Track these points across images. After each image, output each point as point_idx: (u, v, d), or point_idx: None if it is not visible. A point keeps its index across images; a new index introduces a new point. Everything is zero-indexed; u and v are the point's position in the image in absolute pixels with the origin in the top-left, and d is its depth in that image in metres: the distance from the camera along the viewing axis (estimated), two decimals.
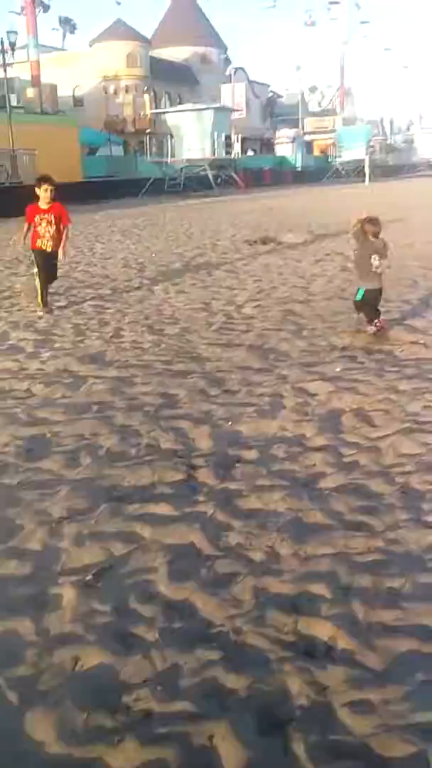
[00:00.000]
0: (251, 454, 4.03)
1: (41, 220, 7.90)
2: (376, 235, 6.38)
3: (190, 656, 2.38)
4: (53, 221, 7.93)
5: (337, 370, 5.47)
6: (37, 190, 7.96)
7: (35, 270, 8.33)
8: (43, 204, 7.92)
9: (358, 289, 6.51)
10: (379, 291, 6.51)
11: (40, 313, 7.90)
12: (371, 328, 6.47)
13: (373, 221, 6.40)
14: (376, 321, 6.49)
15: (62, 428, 4.49)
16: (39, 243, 7.97)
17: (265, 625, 2.54)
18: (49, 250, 7.96)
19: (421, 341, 6.18)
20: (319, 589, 2.73)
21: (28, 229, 8.00)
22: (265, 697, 2.21)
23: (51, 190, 7.90)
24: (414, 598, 2.66)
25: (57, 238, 7.98)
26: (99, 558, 3.02)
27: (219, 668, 2.32)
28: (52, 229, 7.92)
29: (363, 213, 6.52)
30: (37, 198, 7.95)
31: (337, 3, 71.44)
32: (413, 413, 4.51)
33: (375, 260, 6.35)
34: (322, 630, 2.50)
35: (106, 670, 2.34)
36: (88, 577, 2.86)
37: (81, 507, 3.46)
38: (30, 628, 2.56)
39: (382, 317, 6.59)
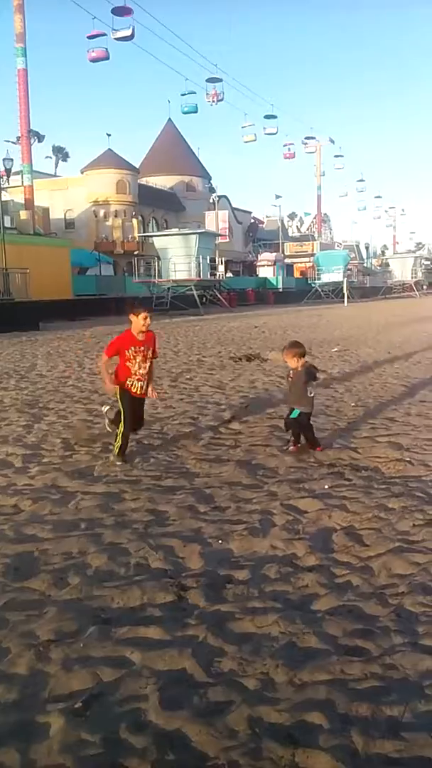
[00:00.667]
0: (242, 574, 3.98)
1: (136, 354, 6.46)
2: (302, 356, 6.66)
3: None
4: (149, 356, 6.60)
5: (326, 487, 5.50)
6: (133, 318, 6.59)
7: (112, 410, 6.98)
8: (139, 336, 6.57)
9: (293, 410, 6.67)
10: (310, 415, 6.77)
11: (118, 464, 6.30)
12: (292, 448, 6.68)
13: (295, 344, 6.74)
14: (315, 445, 6.69)
15: (50, 546, 4.43)
16: (129, 382, 6.47)
17: (262, 757, 2.44)
18: (139, 392, 6.54)
19: (407, 458, 6.25)
20: (316, 718, 2.64)
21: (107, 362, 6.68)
22: None
23: (149, 318, 6.63)
24: (414, 727, 2.58)
25: (148, 377, 6.60)
26: (87, 684, 2.91)
27: None
28: (146, 365, 6.54)
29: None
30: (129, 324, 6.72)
31: (312, 138, 77.05)
32: (403, 532, 4.52)
33: (311, 386, 6.66)
34: (320, 763, 2.40)
35: None
36: (76, 705, 2.75)
37: (69, 629, 3.37)
38: (16, 759, 2.43)
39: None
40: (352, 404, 9.11)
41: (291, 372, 6.85)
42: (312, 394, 6.67)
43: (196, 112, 57.14)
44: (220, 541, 4.46)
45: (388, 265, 78.38)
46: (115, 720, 2.66)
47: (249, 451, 6.73)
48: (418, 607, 3.52)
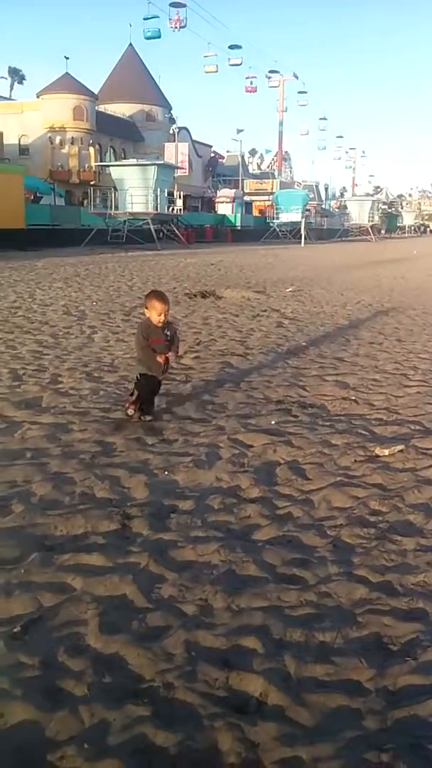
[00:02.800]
0: (187, 504, 4.01)
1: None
2: (161, 314, 5.37)
3: (119, 712, 2.31)
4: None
5: (273, 423, 5.55)
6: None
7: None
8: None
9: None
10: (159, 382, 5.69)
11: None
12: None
13: (156, 295, 5.47)
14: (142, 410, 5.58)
15: None
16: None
17: (197, 680, 2.49)
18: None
19: (353, 397, 6.35)
20: (251, 642, 2.71)
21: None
22: (194, 754, 2.16)
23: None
24: (345, 653, 2.67)
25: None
26: (27, 609, 2.92)
27: (149, 725, 2.26)
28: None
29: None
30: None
31: (276, 72, 74.90)
32: (345, 467, 4.61)
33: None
34: (253, 685, 2.47)
35: (32, 726, 2.25)
36: (15, 629, 2.76)
37: (10, 556, 3.36)
38: None
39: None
40: (303, 343, 9.15)
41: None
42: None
43: (159, 37, 54.91)
44: (166, 473, 4.48)
45: (346, 207, 78.07)
46: (54, 644, 2.68)
47: (199, 386, 6.72)
48: (354, 538, 3.62)
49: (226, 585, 3.12)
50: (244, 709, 2.38)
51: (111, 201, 40.06)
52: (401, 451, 4.90)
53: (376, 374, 7.42)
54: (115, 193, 40.08)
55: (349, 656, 2.65)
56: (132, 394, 5.70)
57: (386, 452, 4.86)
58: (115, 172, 41.66)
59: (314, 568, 3.31)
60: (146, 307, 5.51)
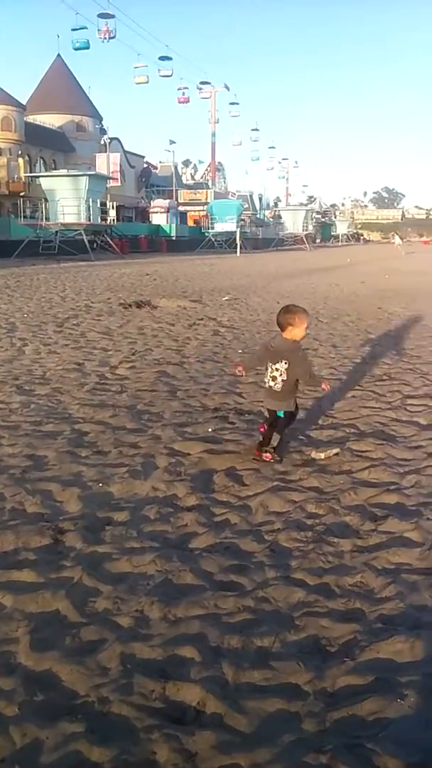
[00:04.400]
0: (122, 516, 3.93)
1: None
2: (281, 328, 4.73)
3: (52, 730, 2.23)
4: None
5: (210, 430, 5.52)
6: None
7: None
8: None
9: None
10: (269, 413, 4.88)
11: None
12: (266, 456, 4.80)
13: (285, 309, 4.78)
14: (266, 449, 4.80)
15: None
16: None
17: (133, 692, 2.43)
18: None
19: None
20: (188, 652, 2.66)
21: None
22: None
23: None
24: (282, 657, 2.65)
25: None
26: None
27: (83, 741, 2.18)
28: None
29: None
30: None
31: (207, 83, 75.59)
32: (282, 472, 4.61)
33: (271, 371, 4.72)
34: (190, 694, 2.42)
35: None
36: None
37: None
38: None
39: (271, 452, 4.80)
40: (240, 351, 9.18)
41: (273, 344, 4.83)
42: (271, 385, 4.76)
43: (87, 48, 54.71)
44: (100, 485, 4.39)
45: (280, 217, 79.20)
46: None
47: (135, 396, 6.64)
48: (291, 542, 3.61)
49: (163, 595, 3.06)
50: (182, 719, 2.33)
51: (42, 212, 39.47)
52: (337, 454, 4.95)
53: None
54: (45, 204, 39.50)
55: (287, 660, 2.63)
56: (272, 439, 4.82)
57: (322, 456, 4.89)
58: (46, 183, 41.10)
59: (252, 574, 3.28)
60: (290, 324, 4.64)
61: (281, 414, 4.77)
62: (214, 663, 2.60)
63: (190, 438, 5.32)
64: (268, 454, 4.77)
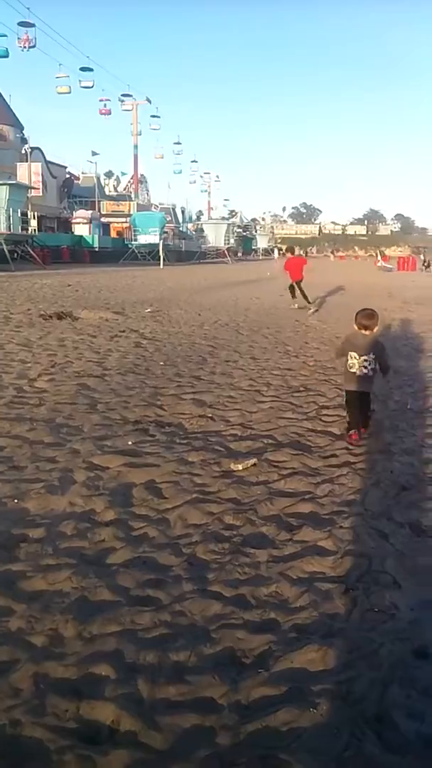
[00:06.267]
0: (37, 533, 3.85)
1: None
2: (365, 328, 5.77)
3: None
4: None
5: (130, 443, 5.49)
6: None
7: None
8: None
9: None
10: (360, 394, 5.80)
11: None
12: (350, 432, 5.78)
13: (364, 312, 5.81)
14: (353, 430, 5.76)
15: None
16: None
17: (45, 713, 2.38)
18: None
19: (209, 414, 6.42)
20: (103, 669, 2.63)
21: None
22: None
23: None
24: (198, 671, 2.65)
25: None
26: None
27: None
28: None
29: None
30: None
31: (129, 96, 75.62)
32: (201, 484, 4.63)
33: (351, 358, 5.76)
34: (104, 713, 2.40)
35: None
36: None
37: None
38: None
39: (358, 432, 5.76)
40: (161, 363, 9.18)
41: (358, 341, 5.82)
42: (354, 370, 5.80)
43: (6, 56, 53.77)
44: (15, 501, 4.29)
45: (203, 230, 79.68)
46: None
47: (54, 410, 6.53)
48: (209, 554, 3.63)
49: (78, 612, 3.02)
50: (96, 738, 2.29)
51: None
52: (254, 465, 5.01)
53: (231, 391, 7.56)
54: None
55: (203, 674, 2.64)
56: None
57: (240, 467, 4.94)
58: None
59: (169, 588, 3.28)
60: (376, 325, 5.88)
61: (369, 394, 5.98)
62: (129, 680, 2.58)
63: (109, 451, 5.27)
64: (363, 429, 5.84)
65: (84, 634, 2.87)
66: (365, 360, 5.74)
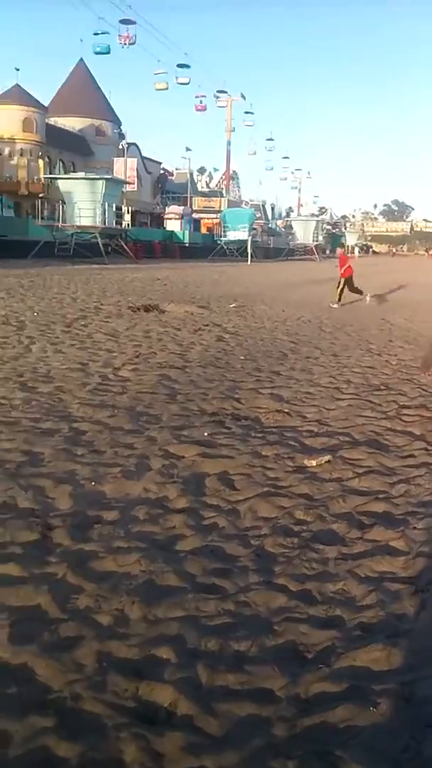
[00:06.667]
0: (111, 515, 3.95)
1: None
2: None
3: (21, 724, 2.24)
4: None
5: (205, 434, 5.53)
6: None
7: None
8: None
9: None
10: None
11: None
12: None
13: None
14: None
15: None
16: None
17: (106, 690, 2.44)
18: None
19: (286, 410, 6.39)
20: (164, 653, 2.66)
21: None
22: (97, 766, 2.10)
23: None
24: (258, 661, 2.65)
25: None
26: None
27: (51, 736, 2.19)
28: None
29: None
30: None
31: (224, 92, 75.92)
32: (273, 478, 4.62)
33: None
34: (163, 695, 2.43)
35: None
36: None
37: None
38: None
39: None
40: (242, 357, 9.20)
41: None
42: None
43: (108, 53, 55.18)
44: (93, 483, 4.41)
45: (291, 227, 79.24)
46: None
47: (135, 398, 6.66)
48: (277, 548, 3.61)
49: (144, 595, 3.07)
50: (153, 719, 2.33)
51: (59, 213, 39.67)
52: (329, 461, 4.95)
53: (310, 388, 7.49)
54: (63, 206, 39.73)
55: (263, 665, 2.63)
56: None
57: (314, 463, 4.89)
58: (64, 185, 41.33)
59: (235, 578, 3.29)
60: None
61: None
62: (189, 665, 2.60)
63: (185, 441, 5.33)
64: None
65: (149, 617, 2.92)
66: None
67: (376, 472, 4.80)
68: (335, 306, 16.89)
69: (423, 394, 7.36)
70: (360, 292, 18.03)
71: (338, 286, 17.85)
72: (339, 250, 20.48)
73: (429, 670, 2.59)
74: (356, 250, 68.44)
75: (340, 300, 17.39)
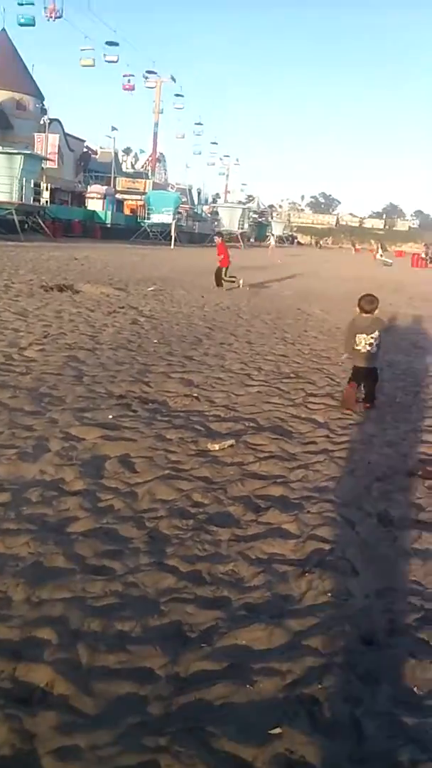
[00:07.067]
0: (2, 497, 3.85)
1: None
2: (365, 312, 6.44)
3: None
4: None
5: (110, 417, 5.47)
6: None
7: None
8: None
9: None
10: (367, 370, 6.51)
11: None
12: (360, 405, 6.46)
13: (367, 298, 6.49)
14: (363, 400, 6.49)
15: None
16: None
17: None
18: None
19: (195, 394, 6.40)
20: (46, 633, 2.63)
21: None
22: None
23: None
24: (141, 641, 2.65)
25: None
26: None
27: None
28: None
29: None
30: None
31: (154, 73, 74.89)
32: (175, 461, 4.62)
33: (357, 339, 6.44)
34: (40, 675, 2.40)
35: None
36: None
37: None
38: None
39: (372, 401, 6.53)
40: (155, 341, 9.15)
41: (363, 322, 6.49)
42: (359, 348, 6.48)
43: (32, 25, 53.28)
44: None
45: (217, 213, 79.24)
46: None
47: (39, 379, 6.51)
48: (172, 529, 3.62)
49: (30, 576, 3.02)
50: (28, 699, 2.30)
51: None
52: (231, 446, 4.99)
53: (221, 373, 7.54)
54: None
55: (145, 644, 2.64)
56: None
57: (217, 447, 4.93)
58: None
59: (125, 559, 3.28)
60: (377, 308, 6.50)
61: (376, 368, 6.66)
62: (70, 645, 2.58)
63: (88, 423, 5.26)
64: (367, 405, 6.47)
65: (32, 598, 2.87)
66: (372, 338, 6.45)
67: (277, 457, 4.88)
68: (228, 289, 17.34)
69: (330, 383, 7.53)
70: (232, 281, 18.43)
71: (223, 274, 18.25)
72: (217, 239, 20.63)
73: (308, 649, 2.66)
74: (271, 239, 68.86)
75: (219, 285, 18.15)
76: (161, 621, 2.81)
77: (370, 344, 6.43)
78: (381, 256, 60.89)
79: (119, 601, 2.91)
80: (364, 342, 6.43)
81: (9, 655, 2.48)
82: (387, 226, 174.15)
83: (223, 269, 18.34)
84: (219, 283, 18.22)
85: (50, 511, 3.73)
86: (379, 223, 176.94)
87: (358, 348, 6.46)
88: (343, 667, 2.58)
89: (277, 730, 2.21)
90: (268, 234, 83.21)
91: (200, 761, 2.06)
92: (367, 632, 2.84)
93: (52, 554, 3.24)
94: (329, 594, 3.11)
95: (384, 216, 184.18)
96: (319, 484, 4.48)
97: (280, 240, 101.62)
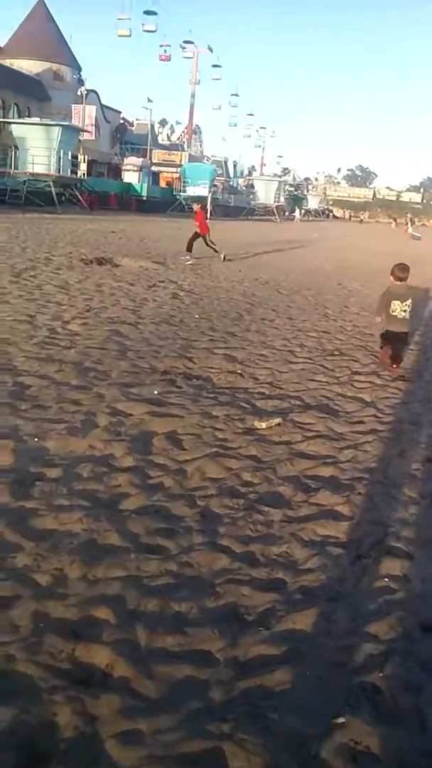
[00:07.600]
0: (54, 473, 3.85)
1: None
2: (399, 280, 7.03)
3: None
4: None
5: (155, 392, 5.44)
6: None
7: None
8: None
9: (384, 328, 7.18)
10: (402, 334, 7.08)
11: None
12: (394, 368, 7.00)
13: (400, 267, 7.07)
14: (391, 359, 7.05)
15: None
16: None
17: (41, 652, 2.37)
18: None
19: (239, 371, 6.34)
20: (103, 613, 2.61)
21: None
22: (29, 729, 2.05)
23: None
24: (199, 623, 2.62)
25: None
26: None
27: None
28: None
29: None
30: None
31: (191, 43, 73.73)
32: (222, 439, 4.57)
33: (393, 305, 6.95)
34: (100, 657, 2.38)
35: None
36: None
37: None
38: None
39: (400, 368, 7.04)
40: (196, 316, 9.08)
41: (398, 290, 7.06)
42: (396, 314, 7.04)
43: None
44: (36, 439, 4.28)
45: (253, 186, 78.33)
46: None
47: (84, 353, 6.50)
48: (223, 509, 3.58)
49: (85, 554, 3.01)
50: (88, 681, 2.28)
51: (11, 160, 38.25)
52: (279, 424, 4.92)
53: (264, 350, 7.45)
54: (15, 152, 38.29)
55: (203, 627, 2.61)
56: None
57: (264, 425, 4.87)
58: (17, 130, 39.75)
59: (178, 538, 3.25)
60: (408, 276, 7.15)
61: (408, 333, 7.28)
62: (128, 626, 2.56)
63: (134, 399, 5.23)
64: (395, 365, 7.01)
65: (88, 577, 2.86)
66: (406, 305, 6.98)
67: (324, 436, 4.81)
68: (189, 260, 16.70)
69: (375, 361, 7.40)
70: (214, 248, 18.00)
71: (206, 242, 17.90)
72: (195, 206, 20.28)
73: (367, 635, 2.61)
74: (297, 212, 67.68)
75: (189, 250, 17.76)
76: (217, 603, 2.78)
77: (405, 311, 6.99)
78: (411, 231, 59.88)
79: (174, 581, 2.89)
80: (399, 308, 6.97)
81: (68, 635, 2.47)
82: (424, 200, 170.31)
83: (206, 237, 17.88)
84: (189, 248, 17.82)
85: (101, 488, 3.72)
86: (416, 197, 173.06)
87: (394, 314, 6.98)
88: (403, 654, 2.53)
89: (341, 720, 2.16)
90: (295, 208, 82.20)
91: (265, 750, 2.03)
92: (426, 618, 2.77)
93: (106, 531, 3.22)
94: (385, 578, 3.04)
95: (421, 190, 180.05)
96: (369, 464, 4.40)
97: (316, 213, 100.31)
